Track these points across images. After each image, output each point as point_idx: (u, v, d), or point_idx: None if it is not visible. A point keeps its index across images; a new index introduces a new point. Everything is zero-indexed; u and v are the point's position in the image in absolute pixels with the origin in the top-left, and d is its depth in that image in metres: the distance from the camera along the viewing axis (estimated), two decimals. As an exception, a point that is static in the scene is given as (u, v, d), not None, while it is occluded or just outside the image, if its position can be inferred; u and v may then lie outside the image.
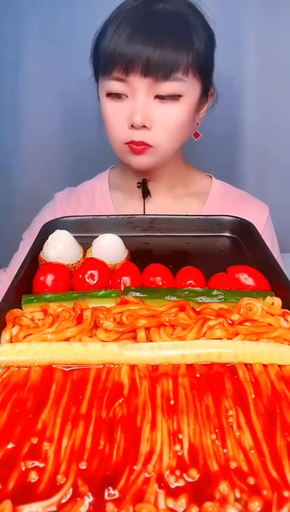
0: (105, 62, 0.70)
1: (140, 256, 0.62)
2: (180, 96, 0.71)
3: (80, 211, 0.90)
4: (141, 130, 0.72)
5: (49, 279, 0.54)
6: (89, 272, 0.55)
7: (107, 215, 0.73)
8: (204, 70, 0.73)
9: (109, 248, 0.60)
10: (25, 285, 0.55)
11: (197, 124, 0.81)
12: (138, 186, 0.86)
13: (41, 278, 0.54)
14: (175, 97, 0.71)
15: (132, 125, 0.72)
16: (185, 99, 0.72)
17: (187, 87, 0.71)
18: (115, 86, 0.71)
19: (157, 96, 0.71)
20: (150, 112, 0.71)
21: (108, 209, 0.90)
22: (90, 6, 1.06)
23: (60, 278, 0.55)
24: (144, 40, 0.67)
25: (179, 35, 0.69)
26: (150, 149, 0.74)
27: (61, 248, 0.59)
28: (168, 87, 0.70)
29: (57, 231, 0.60)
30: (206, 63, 0.74)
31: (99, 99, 0.77)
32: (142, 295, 0.50)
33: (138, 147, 0.74)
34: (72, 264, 0.58)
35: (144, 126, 0.71)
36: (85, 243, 0.67)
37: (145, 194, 0.86)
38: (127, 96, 0.72)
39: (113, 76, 0.70)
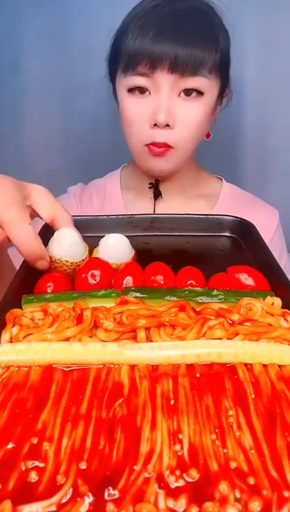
0: (130, 58, 0.69)
1: (140, 255, 0.62)
2: (202, 94, 0.71)
3: (91, 209, 0.90)
4: (164, 129, 0.71)
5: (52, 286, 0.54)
6: (91, 272, 0.55)
7: (107, 215, 0.73)
8: (225, 70, 0.74)
9: (115, 248, 0.59)
10: (25, 285, 0.55)
11: (212, 124, 0.80)
12: (149, 187, 0.86)
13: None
14: (198, 94, 0.71)
15: (155, 124, 0.71)
16: (207, 98, 0.72)
17: (210, 85, 0.71)
18: (139, 81, 0.70)
19: (183, 92, 0.70)
20: (173, 110, 0.71)
21: (118, 208, 0.90)
22: (90, 6, 1.06)
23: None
24: (171, 37, 0.67)
25: (206, 33, 0.69)
26: (171, 151, 0.74)
27: (66, 245, 0.58)
28: (193, 82, 0.70)
29: (63, 228, 0.60)
30: (227, 62, 0.74)
31: (116, 98, 0.77)
32: (142, 295, 0.50)
33: (159, 149, 0.73)
34: (77, 262, 0.58)
35: (167, 125, 0.71)
36: (85, 243, 0.67)
37: (157, 195, 0.86)
38: (149, 93, 0.71)
39: (138, 71, 0.69)
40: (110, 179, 0.95)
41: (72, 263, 0.58)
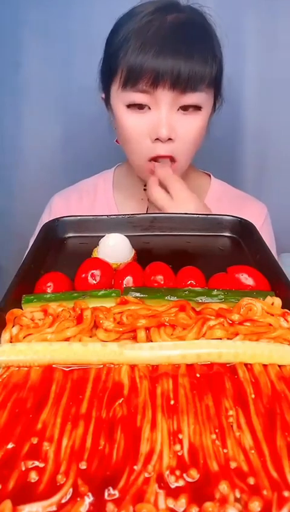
0: (129, 74, 0.69)
1: (140, 255, 0.62)
2: (200, 108, 0.72)
3: (81, 208, 0.90)
4: (166, 143, 0.71)
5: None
6: (91, 272, 0.55)
7: (107, 215, 0.73)
8: (219, 81, 0.74)
9: (115, 248, 0.59)
10: (25, 285, 0.55)
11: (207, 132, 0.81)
12: (144, 189, 0.86)
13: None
14: (196, 109, 0.71)
15: (156, 139, 0.71)
16: (204, 110, 0.73)
17: (207, 98, 0.72)
18: (138, 98, 0.70)
19: (181, 108, 0.71)
20: (174, 124, 0.71)
21: (110, 207, 0.90)
22: (90, 6, 1.06)
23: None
24: (173, 53, 0.67)
25: (205, 47, 0.69)
26: (175, 165, 0.74)
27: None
28: (192, 98, 0.70)
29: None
30: (222, 72, 0.74)
31: (111, 110, 0.76)
32: (142, 295, 0.50)
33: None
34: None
35: (169, 139, 0.71)
36: (85, 243, 0.68)
37: None
38: (149, 108, 0.71)
39: (139, 89, 0.69)
40: (103, 178, 0.95)
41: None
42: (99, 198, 0.92)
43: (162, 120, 0.70)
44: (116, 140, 0.83)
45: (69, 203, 0.92)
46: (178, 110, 0.71)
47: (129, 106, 0.72)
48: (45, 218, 0.84)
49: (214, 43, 0.71)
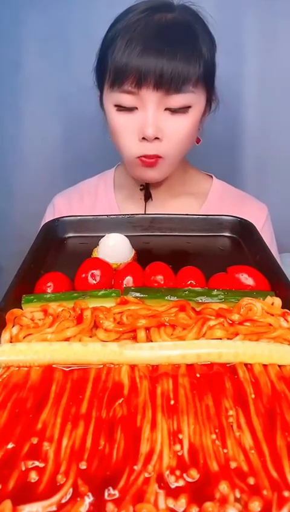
0: (116, 75, 0.69)
1: (140, 255, 0.62)
2: (189, 107, 0.72)
3: (83, 209, 0.90)
4: (153, 142, 0.72)
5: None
6: (91, 272, 0.55)
7: (107, 215, 0.73)
8: (210, 79, 0.74)
9: (115, 248, 0.59)
10: (25, 285, 0.55)
11: (199, 130, 0.81)
12: (140, 189, 0.87)
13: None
14: (185, 109, 0.71)
15: (143, 138, 0.71)
16: (194, 110, 0.72)
17: (196, 97, 0.71)
18: (125, 99, 0.71)
19: (168, 109, 0.71)
20: (161, 124, 0.71)
21: (111, 207, 0.90)
22: (90, 6, 1.06)
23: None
24: (156, 53, 0.67)
25: (189, 47, 0.69)
26: (161, 160, 0.74)
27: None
28: (178, 99, 0.70)
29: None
30: (213, 71, 0.74)
31: (103, 108, 0.77)
32: (142, 295, 0.50)
33: (151, 160, 0.74)
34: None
35: (156, 138, 0.71)
36: (85, 243, 0.68)
37: (148, 197, 0.87)
38: (137, 109, 0.71)
39: (124, 89, 0.70)
40: (104, 178, 0.95)
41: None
42: (100, 199, 0.92)
43: (148, 120, 0.70)
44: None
45: (71, 203, 0.92)
46: (165, 110, 0.71)
47: (118, 107, 0.72)
48: (49, 218, 0.85)
49: (200, 44, 0.71)
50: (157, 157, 0.74)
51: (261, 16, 1.06)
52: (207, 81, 0.73)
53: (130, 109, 0.72)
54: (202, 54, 0.70)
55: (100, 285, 0.54)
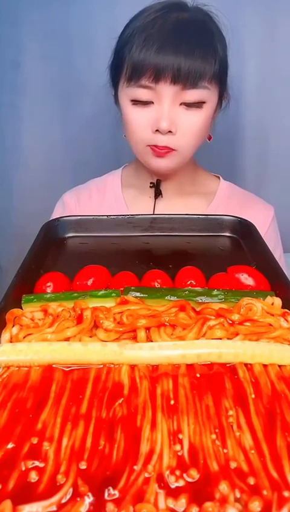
0: (133, 70, 0.72)
1: (140, 256, 0.62)
2: (204, 103, 0.73)
3: (91, 207, 0.91)
4: (166, 135, 0.73)
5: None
6: (88, 279, 0.55)
7: (107, 215, 0.73)
8: (223, 77, 0.76)
9: None
10: (25, 285, 0.54)
11: (211, 126, 0.82)
12: (150, 186, 0.88)
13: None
14: (199, 104, 0.73)
15: (157, 130, 0.73)
16: (207, 106, 0.75)
17: (210, 94, 0.74)
18: (142, 94, 0.73)
19: (183, 104, 0.73)
20: (175, 118, 0.73)
21: (119, 206, 0.91)
22: (90, 6, 1.06)
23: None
24: (174, 49, 0.69)
25: (206, 44, 0.72)
26: (173, 152, 0.76)
27: None
28: (194, 94, 0.72)
29: None
30: (226, 69, 0.76)
31: (118, 104, 0.78)
32: (142, 295, 0.50)
33: (162, 150, 0.76)
34: None
35: (170, 131, 0.73)
36: (85, 243, 0.68)
37: (157, 194, 0.87)
38: (153, 103, 0.73)
39: (141, 84, 0.72)
40: (112, 177, 0.96)
41: None
42: (108, 197, 0.94)
43: (164, 113, 0.72)
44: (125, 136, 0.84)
45: (80, 200, 0.93)
46: (180, 105, 0.73)
47: (134, 102, 0.74)
48: (58, 214, 0.85)
49: (215, 42, 0.73)
50: (169, 149, 0.75)
51: (261, 15, 1.06)
52: (221, 79, 0.75)
53: (146, 103, 0.74)
54: (217, 51, 0.73)
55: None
